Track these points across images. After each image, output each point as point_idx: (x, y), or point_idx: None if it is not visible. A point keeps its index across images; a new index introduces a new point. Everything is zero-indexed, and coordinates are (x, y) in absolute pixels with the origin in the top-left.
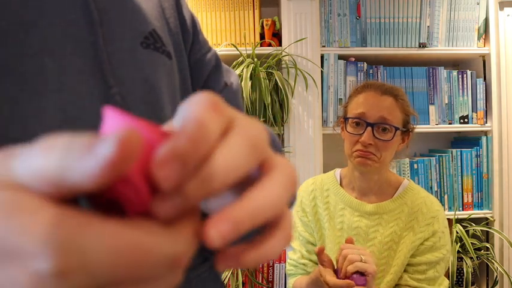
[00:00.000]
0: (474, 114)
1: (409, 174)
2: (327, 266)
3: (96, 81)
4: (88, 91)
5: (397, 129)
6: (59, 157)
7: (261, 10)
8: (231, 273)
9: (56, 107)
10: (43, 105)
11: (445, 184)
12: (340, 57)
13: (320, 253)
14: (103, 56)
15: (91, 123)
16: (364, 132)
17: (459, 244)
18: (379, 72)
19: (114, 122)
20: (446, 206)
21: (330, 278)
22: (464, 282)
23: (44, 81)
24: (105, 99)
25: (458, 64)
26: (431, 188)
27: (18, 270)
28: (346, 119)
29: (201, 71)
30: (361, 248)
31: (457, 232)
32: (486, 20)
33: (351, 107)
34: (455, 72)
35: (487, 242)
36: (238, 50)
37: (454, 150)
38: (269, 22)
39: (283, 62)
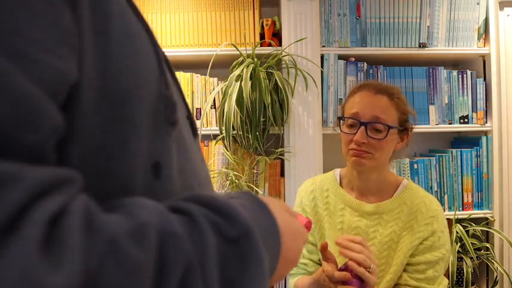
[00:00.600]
0: (474, 114)
1: (409, 174)
2: (331, 263)
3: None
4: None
5: (389, 128)
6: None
7: (261, 10)
8: None
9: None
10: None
11: (445, 184)
12: (340, 57)
13: (324, 250)
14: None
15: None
16: (357, 131)
17: (459, 244)
18: (379, 72)
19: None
20: (446, 206)
21: (335, 271)
22: (464, 282)
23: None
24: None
25: (458, 64)
26: (431, 188)
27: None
28: (340, 119)
29: None
30: (371, 254)
31: (457, 232)
32: (486, 20)
33: (347, 107)
34: (455, 72)
35: (487, 242)
36: (238, 50)
37: (454, 150)
38: (269, 22)
39: (283, 62)
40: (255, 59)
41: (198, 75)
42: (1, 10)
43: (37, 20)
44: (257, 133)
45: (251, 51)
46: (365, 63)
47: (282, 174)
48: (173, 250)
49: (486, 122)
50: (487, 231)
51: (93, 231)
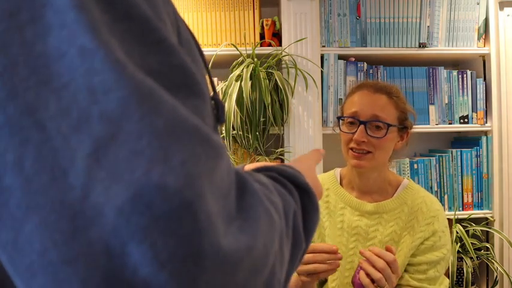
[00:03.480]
0: (474, 114)
1: (409, 174)
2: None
3: None
4: None
5: (389, 126)
6: None
7: (261, 10)
8: None
9: None
10: None
11: (445, 184)
12: (340, 57)
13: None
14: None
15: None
16: (357, 130)
17: (459, 244)
18: (379, 72)
19: None
20: (446, 206)
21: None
22: (464, 282)
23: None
24: None
25: (458, 64)
26: (431, 188)
27: None
28: (339, 118)
29: None
30: (395, 266)
31: (457, 232)
32: (486, 20)
33: (346, 107)
34: (455, 72)
35: (487, 242)
36: (238, 50)
37: (454, 150)
38: (269, 22)
39: (283, 62)
40: (255, 59)
41: None
42: (169, 31)
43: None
44: (257, 133)
45: (251, 51)
46: (365, 63)
47: None
48: (287, 202)
49: (486, 122)
50: (487, 231)
51: (266, 188)
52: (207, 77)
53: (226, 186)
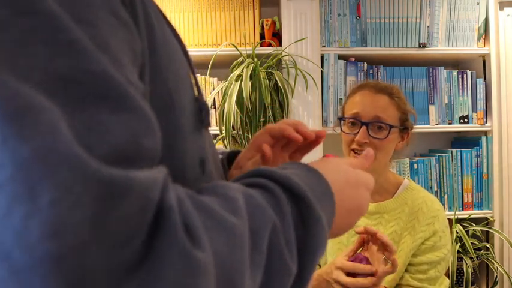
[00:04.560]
0: (474, 114)
1: (409, 174)
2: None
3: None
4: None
5: (391, 127)
6: None
7: (261, 10)
8: None
9: None
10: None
11: (445, 184)
12: (340, 57)
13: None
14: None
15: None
16: (358, 131)
17: (459, 244)
18: (379, 72)
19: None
20: (446, 206)
21: (344, 277)
22: (464, 282)
23: None
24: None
25: (458, 64)
26: (431, 188)
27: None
28: (340, 119)
29: None
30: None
31: (457, 232)
32: (486, 20)
33: (347, 108)
34: (455, 72)
35: (487, 242)
36: (238, 50)
37: (454, 150)
38: (269, 22)
39: (283, 62)
40: (255, 59)
41: (198, 75)
42: (99, 34)
43: (123, 45)
44: None
45: (251, 51)
46: (365, 63)
47: None
48: (260, 218)
49: (486, 122)
50: (487, 231)
51: (203, 211)
52: (191, 77)
53: (128, 230)
